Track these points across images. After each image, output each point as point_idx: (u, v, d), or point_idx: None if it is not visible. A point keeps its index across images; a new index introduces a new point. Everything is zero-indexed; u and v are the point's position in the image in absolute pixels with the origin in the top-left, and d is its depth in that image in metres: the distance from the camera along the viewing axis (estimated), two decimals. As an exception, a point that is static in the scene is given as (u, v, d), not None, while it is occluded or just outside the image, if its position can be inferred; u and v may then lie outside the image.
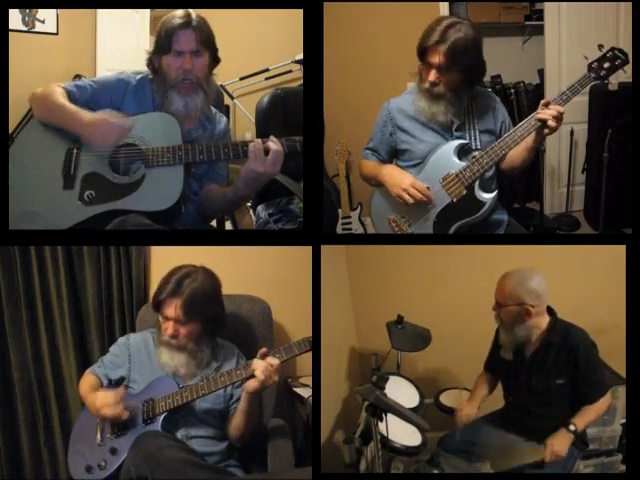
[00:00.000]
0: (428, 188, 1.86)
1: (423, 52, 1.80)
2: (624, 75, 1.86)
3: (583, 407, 1.76)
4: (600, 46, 1.81)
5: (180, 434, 1.67)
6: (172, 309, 1.67)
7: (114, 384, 1.76)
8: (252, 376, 1.61)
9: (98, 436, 1.66)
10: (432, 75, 1.79)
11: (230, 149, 1.73)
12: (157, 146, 1.71)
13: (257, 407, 1.72)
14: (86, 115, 1.67)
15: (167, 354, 1.71)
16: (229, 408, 1.76)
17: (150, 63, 1.81)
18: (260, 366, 1.60)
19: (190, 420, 1.69)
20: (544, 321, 1.79)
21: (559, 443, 1.71)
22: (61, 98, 1.71)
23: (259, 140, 1.68)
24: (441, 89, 1.80)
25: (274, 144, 1.67)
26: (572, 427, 1.73)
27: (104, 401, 1.62)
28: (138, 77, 1.84)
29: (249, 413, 1.68)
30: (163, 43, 1.73)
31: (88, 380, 1.79)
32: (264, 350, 1.64)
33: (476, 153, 1.87)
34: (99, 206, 1.67)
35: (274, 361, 1.61)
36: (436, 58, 1.76)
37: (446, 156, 1.87)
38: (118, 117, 1.69)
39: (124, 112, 1.77)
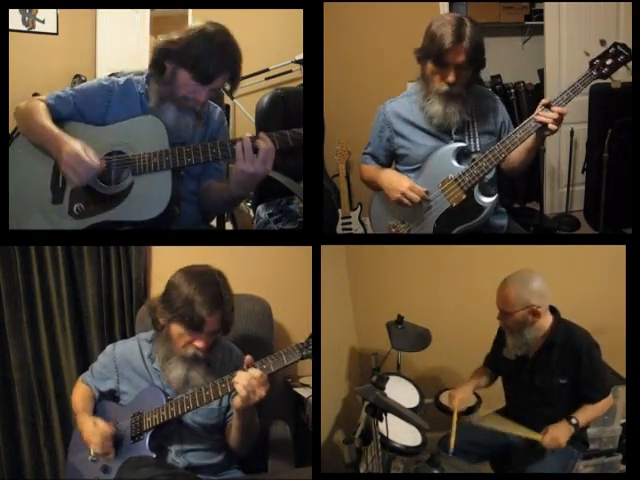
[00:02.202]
0: (427, 192, 1.84)
1: (441, 55, 1.72)
2: (627, 72, 1.78)
3: (584, 405, 1.76)
4: (602, 41, 1.73)
5: (174, 448, 1.63)
6: (215, 324, 1.57)
7: (105, 396, 1.73)
8: None
9: (92, 451, 1.62)
10: (452, 75, 1.74)
11: (219, 149, 1.65)
12: (144, 152, 1.65)
13: (252, 420, 1.62)
14: (65, 145, 1.61)
15: (183, 368, 1.60)
16: (226, 420, 1.70)
17: (160, 66, 1.69)
18: (242, 380, 1.46)
19: (183, 434, 1.65)
20: (547, 321, 1.79)
21: (559, 431, 1.71)
22: (43, 118, 1.67)
23: (247, 138, 1.61)
24: (458, 88, 1.77)
25: (263, 142, 1.59)
26: (574, 420, 1.72)
27: (91, 437, 1.59)
28: (122, 80, 1.78)
29: (244, 427, 1.61)
30: (196, 68, 1.63)
31: (81, 390, 1.76)
32: (249, 359, 1.51)
33: (475, 156, 1.84)
34: (89, 219, 1.64)
35: (257, 373, 1.47)
36: (458, 57, 1.72)
37: (445, 160, 1.85)
38: (91, 156, 1.61)
39: (110, 118, 1.73)
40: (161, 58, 1.67)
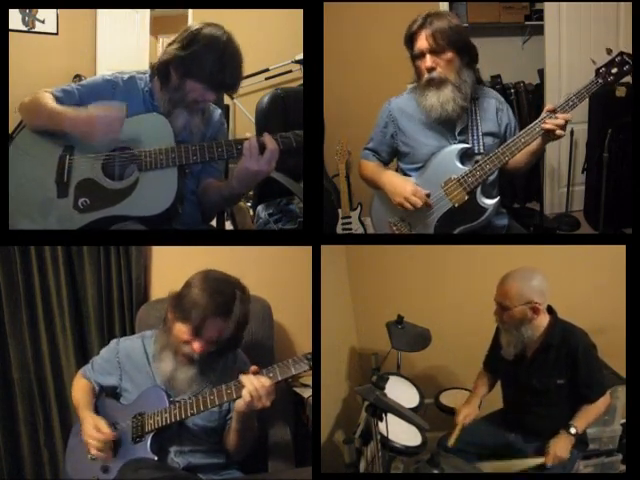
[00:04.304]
0: (429, 195, 1.85)
1: (411, 40, 1.80)
2: (628, 77, 1.81)
3: (583, 407, 1.76)
4: (608, 50, 1.76)
5: (173, 449, 1.63)
6: (215, 331, 1.55)
7: (105, 391, 1.73)
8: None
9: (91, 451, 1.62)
10: (428, 60, 1.78)
11: (224, 148, 1.68)
12: (150, 149, 1.68)
13: (251, 425, 1.62)
14: (81, 111, 1.64)
15: (172, 364, 1.60)
16: (226, 423, 1.69)
17: (165, 74, 1.73)
18: (249, 385, 1.46)
19: (183, 435, 1.64)
20: (545, 320, 1.79)
21: (560, 447, 1.71)
22: (50, 102, 1.69)
23: (254, 138, 1.64)
24: (442, 73, 1.79)
25: (270, 142, 1.63)
26: (572, 430, 1.72)
27: (92, 440, 1.57)
28: (126, 77, 1.80)
29: (242, 432, 1.61)
30: (208, 80, 1.68)
31: (81, 385, 1.75)
32: (255, 368, 1.51)
33: (479, 158, 1.84)
34: (94, 213, 1.66)
35: (266, 381, 1.47)
36: (425, 42, 1.77)
37: (448, 160, 1.85)
38: (113, 108, 1.64)
39: None
40: (167, 67, 1.71)
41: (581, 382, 1.74)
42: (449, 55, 1.78)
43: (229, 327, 1.55)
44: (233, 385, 1.53)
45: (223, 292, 1.57)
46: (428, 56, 1.78)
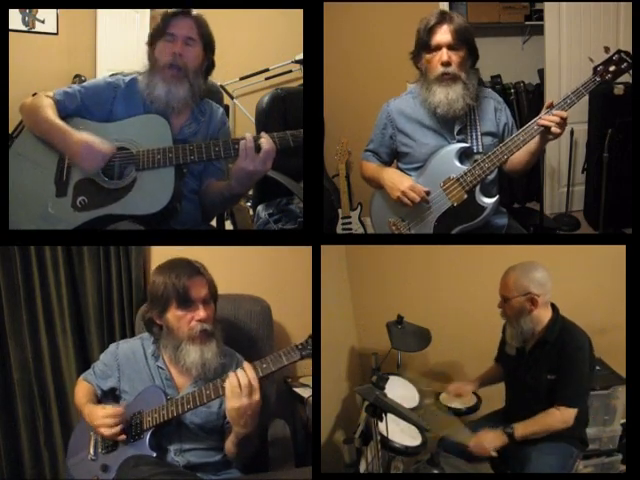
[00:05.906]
0: (429, 192, 1.85)
1: (429, 34, 1.80)
2: (628, 77, 1.82)
3: (547, 410, 1.72)
4: (606, 48, 1.77)
5: (173, 447, 1.63)
6: (201, 288, 1.62)
7: (106, 394, 1.73)
8: None
9: (91, 450, 1.63)
10: (444, 55, 1.79)
11: (221, 148, 1.69)
12: (148, 148, 1.70)
13: (248, 431, 1.55)
14: (72, 136, 1.66)
15: (196, 350, 1.60)
16: (224, 425, 1.68)
17: (147, 57, 1.80)
18: (228, 385, 1.46)
19: (183, 433, 1.64)
20: (546, 316, 1.80)
21: (488, 438, 1.70)
22: (49, 112, 1.71)
23: (250, 137, 1.65)
24: (455, 69, 1.80)
25: (266, 142, 1.63)
26: (508, 430, 1.70)
27: (103, 421, 1.58)
28: (127, 79, 1.82)
29: (239, 440, 1.58)
30: (158, 28, 1.75)
31: (83, 388, 1.76)
32: (248, 366, 1.51)
33: (478, 157, 1.85)
34: (91, 212, 1.68)
35: (244, 379, 1.45)
36: (447, 36, 1.78)
37: (447, 159, 1.86)
38: (101, 142, 1.66)
39: (115, 115, 1.77)
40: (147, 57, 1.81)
41: (559, 379, 1.72)
42: (463, 53, 1.80)
43: (208, 280, 1.64)
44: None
45: (180, 263, 1.66)
46: (444, 50, 1.79)
